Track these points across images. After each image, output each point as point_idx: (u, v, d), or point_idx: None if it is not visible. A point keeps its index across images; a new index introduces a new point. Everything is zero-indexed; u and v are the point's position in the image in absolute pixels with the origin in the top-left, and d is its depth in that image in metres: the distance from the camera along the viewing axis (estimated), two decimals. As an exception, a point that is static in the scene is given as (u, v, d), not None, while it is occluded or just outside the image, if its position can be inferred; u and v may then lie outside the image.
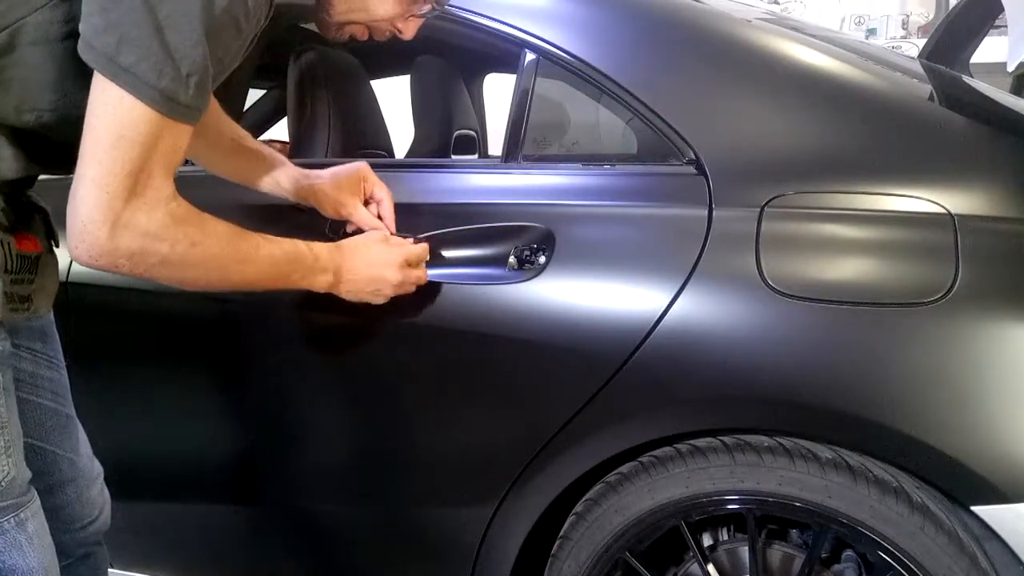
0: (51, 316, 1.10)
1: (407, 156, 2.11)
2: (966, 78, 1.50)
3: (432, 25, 1.13)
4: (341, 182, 1.21)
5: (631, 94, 1.19)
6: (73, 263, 1.19)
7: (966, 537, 1.02)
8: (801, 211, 1.09)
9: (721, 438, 1.11)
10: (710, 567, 1.15)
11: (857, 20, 4.63)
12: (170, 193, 0.86)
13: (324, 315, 1.25)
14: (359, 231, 1.20)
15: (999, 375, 0.99)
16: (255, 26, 0.90)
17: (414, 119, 2.14)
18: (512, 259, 1.17)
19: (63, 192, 0.84)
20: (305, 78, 1.68)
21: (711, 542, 1.20)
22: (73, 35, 0.83)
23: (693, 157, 1.15)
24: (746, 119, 1.18)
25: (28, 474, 0.95)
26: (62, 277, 1.12)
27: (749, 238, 1.07)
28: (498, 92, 2.42)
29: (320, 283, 1.08)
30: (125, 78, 0.79)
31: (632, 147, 1.34)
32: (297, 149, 1.68)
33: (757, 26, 1.30)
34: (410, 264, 1.15)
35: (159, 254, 0.86)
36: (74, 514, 1.12)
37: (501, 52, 1.33)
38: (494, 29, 1.28)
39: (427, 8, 1.08)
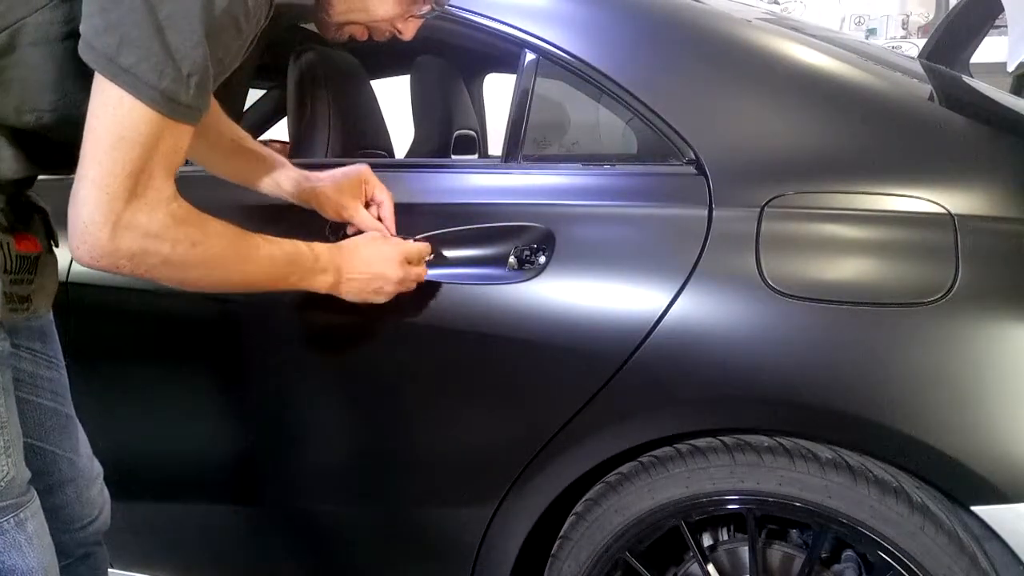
0: (51, 316, 1.10)
1: (407, 156, 2.10)
2: (966, 78, 1.50)
3: (432, 25, 1.13)
4: (342, 184, 1.21)
5: (631, 94, 1.19)
6: (73, 263, 1.19)
7: (966, 537, 1.02)
8: (801, 211, 1.09)
9: (721, 438, 1.11)
10: (710, 567, 1.15)
11: (857, 20, 4.62)
12: (171, 194, 0.86)
13: (324, 315, 1.25)
14: (359, 233, 1.20)
15: (999, 375, 0.99)
16: (255, 26, 0.90)
17: (414, 119, 2.13)
18: (512, 259, 1.17)
19: (63, 192, 0.84)
20: (305, 78, 1.68)
21: (711, 542, 1.20)
22: (73, 35, 0.83)
23: (693, 157, 1.15)
24: (746, 119, 1.18)
25: (28, 474, 0.95)
26: (62, 277, 1.12)
27: (749, 238, 1.07)
28: (498, 92, 2.42)
29: (320, 283, 1.08)
30: (125, 79, 0.79)
31: (632, 147, 1.34)
32: (297, 149, 1.68)
33: (757, 26, 1.30)
34: (410, 261, 1.15)
35: (160, 255, 0.87)
36: (74, 514, 1.12)
37: (501, 52, 1.33)
38: (494, 29, 1.28)
39: (427, 8, 1.08)
